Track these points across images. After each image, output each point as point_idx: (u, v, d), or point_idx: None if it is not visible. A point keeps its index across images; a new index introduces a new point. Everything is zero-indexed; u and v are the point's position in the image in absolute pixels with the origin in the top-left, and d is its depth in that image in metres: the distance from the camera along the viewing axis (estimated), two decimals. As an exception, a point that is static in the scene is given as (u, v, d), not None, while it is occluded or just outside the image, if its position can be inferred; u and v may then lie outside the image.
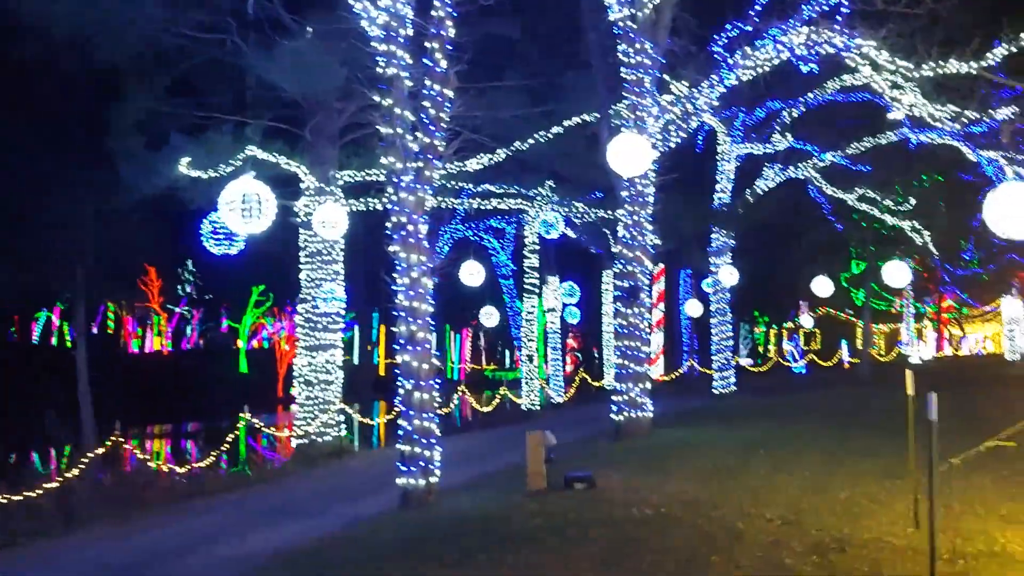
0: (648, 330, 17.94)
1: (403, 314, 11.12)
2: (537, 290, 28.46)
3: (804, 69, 15.90)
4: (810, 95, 23.64)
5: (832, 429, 15.77)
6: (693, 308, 34.59)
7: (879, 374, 30.39)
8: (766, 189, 26.66)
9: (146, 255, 35.16)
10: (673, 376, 34.79)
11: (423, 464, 11.10)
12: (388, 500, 11.52)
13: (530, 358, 28.20)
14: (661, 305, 35.99)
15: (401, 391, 11.14)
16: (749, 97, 23.25)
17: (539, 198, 24.19)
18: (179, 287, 49.30)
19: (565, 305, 31.63)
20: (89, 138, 19.04)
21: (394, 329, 11.40)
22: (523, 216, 26.46)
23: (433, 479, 11.25)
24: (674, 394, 26.96)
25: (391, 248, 11.11)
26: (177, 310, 49.16)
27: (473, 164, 19.82)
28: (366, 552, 8.98)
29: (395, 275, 11.13)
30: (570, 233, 27.76)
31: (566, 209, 24.66)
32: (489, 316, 30.23)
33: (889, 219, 26.47)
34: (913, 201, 26.13)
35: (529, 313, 28.26)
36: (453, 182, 20.62)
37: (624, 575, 7.27)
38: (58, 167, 20.54)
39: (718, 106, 20.88)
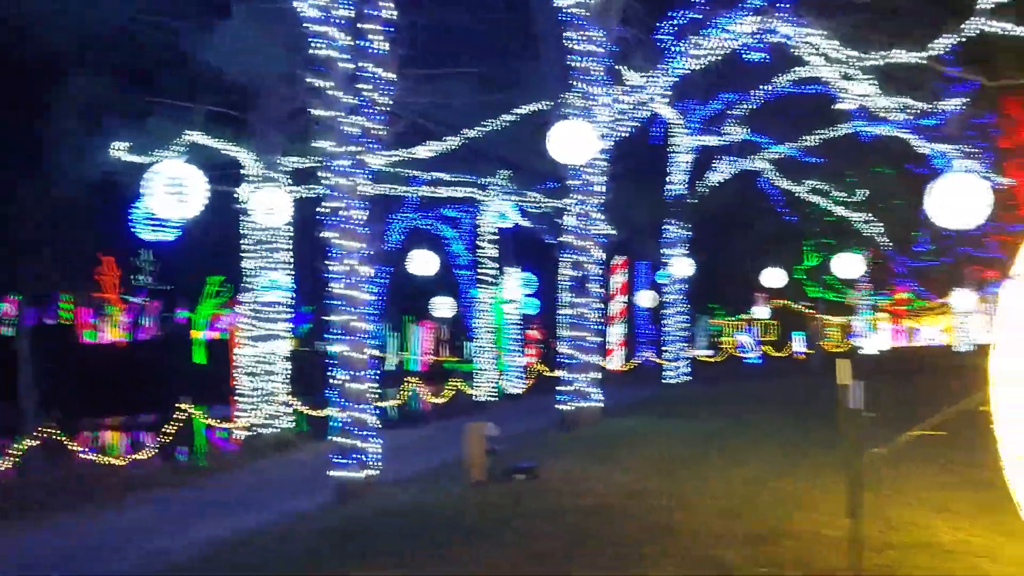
0: (600, 320, 17.81)
1: (339, 303, 10.87)
2: (494, 280, 28.19)
3: (753, 58, 15.85)
4: (766, 87, 23.62)
5: (785, 419, 15.72)
6: (646, 299, 34.63)
7: (831, 365, 30.48)
8: (720, 181, 26.67)
9: (99, 245, 34.42)
10: (630, 366, 34.87)
11: (360, 456, 10.88)
12: (330, 493, 11.26)
13: (484, 349, 27.96)
14: (623, 297, 35.93)
15: (335, 382, 10.90)
16: (704, 88, 23.19)
17: (492, 187, 23.95)
18: (134, 277, 48.39)
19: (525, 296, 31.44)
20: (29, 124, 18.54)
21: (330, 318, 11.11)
22: (478, 205, 26.19)
23: (371, 472, 11.03)
24: (629, 384, 27.10)
25: (326, 234, 10.85)
26: (134, 300, 48.27)
27: (425, 152, 19.51)
28: (291, 547, 8.73)
29: (329, 263, 10.88)
30: (524, 223, 27.55)
31: (519, 198, 24.45)
32: (441, 307, 29.88)
33: (842, 211, 26.62)
34: (865, 193, 26.30)
35: (486, 304, 28.00)
36: (404, 170, 20.29)
37: (547, 567, 7.11)
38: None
39: (672, 97, 20.78)
